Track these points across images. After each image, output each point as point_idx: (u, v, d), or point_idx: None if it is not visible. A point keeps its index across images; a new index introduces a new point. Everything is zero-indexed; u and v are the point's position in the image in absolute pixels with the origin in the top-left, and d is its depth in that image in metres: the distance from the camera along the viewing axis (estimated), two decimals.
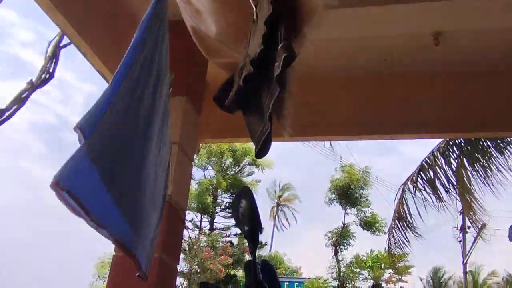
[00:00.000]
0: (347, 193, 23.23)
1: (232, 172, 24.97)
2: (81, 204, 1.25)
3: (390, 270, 24.00)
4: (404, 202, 8.28)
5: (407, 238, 8.70)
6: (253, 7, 1.29)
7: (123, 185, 1.44)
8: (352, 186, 23.14)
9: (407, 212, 8.34)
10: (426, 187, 7.73)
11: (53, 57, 2.83)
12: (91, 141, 1.30)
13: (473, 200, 7.79)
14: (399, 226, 8.64)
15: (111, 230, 1.41)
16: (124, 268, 2.61)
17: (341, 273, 23.43)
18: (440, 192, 7.58)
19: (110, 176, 1.37)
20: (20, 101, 2.76)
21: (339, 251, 24.20)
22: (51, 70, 2.82)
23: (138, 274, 1.61)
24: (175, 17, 3.02)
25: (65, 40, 2.80)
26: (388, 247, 9.27)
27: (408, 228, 8.55)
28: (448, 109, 3.44)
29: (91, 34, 2.72)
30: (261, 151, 1.17)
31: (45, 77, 2.80)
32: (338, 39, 3.20)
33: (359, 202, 23.64)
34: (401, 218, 8.46)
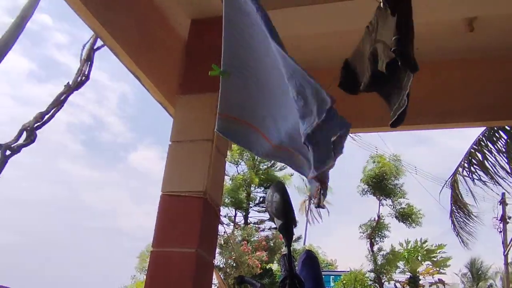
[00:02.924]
0: (381, 184, 22.88)
1: (265, 167, 25.02)
2: None
3: (428, 262, 23.58)
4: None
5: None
6: None
7: None
8: (385, 176, 22.77)
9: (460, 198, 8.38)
10: (468, 177, 7.62)
11: (88, 59, 2.92)
12: None
13: None
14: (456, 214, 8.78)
15: None
16: (161, 263, 2.68)
17: (377, 266, 23.15)
18: (483, 181, 7.44)
19: None
20: (58, 103, 2.87)
21: (374, 243, 23.90)
22: (86, 73, 2.92)
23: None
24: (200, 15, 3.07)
25: (99, 42, 2.89)
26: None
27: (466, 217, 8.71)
28: (485, 96, 3.35)
29: (123, 36, 2.79)
30: (396, 122, 1.42)
31: (81, 80, 2.90)
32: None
33: (394, 192, 23.24)
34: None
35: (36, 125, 2.91)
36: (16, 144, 2.85)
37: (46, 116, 2.88)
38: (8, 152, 2.87)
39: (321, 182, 1.70)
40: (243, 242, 19.87)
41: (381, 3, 1.42)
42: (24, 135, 2.89)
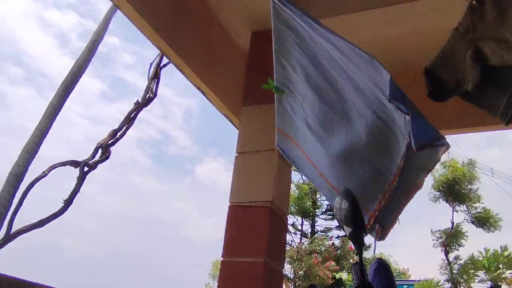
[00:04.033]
0: (454, 190, 21.79)
1: None
2: None
3: (511, 271, 22.08)
4: None
5: None
6: None
7: None
8: (458, 181, 21.67)
9: None
10: None
11: (155, 77, 3.05)
12: None
13: None
14: None
15: None
16: (231, 272, 2.72)
17: (454, 275, 22.00)
18: None
19: None
20: (129, 120, 3.02)
21: (450, 251, 22.75)
22: (154, 90, 3.05)
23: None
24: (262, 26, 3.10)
25: (164, 60, 3.02)
26: None
27: None
28: None
29: (187, 52, 2.88)
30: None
31: (149, 97, 3.03)
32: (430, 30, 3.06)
33: (468, 197, 22.04)
34: None
35: (110, 142, 3.08)
36: (92, 160, 3.02)
37: (119, 133, 3.04)
38: (86, 168, 3.05)
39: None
40: (314, 254, 19.63)
41: (474, 1, 1.38)
42: (99, 152, 3.07)
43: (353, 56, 1.57)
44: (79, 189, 3.02)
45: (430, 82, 1.52)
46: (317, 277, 18.24)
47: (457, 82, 1.47)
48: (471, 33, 1.43)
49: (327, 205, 24.68)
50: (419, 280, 22.86)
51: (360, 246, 1.56)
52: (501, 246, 22.53)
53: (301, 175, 24.89)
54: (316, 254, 19.47)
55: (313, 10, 3.00)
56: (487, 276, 22.01)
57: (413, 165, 1.69)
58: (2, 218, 9.82)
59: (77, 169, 2.98)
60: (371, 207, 1.94)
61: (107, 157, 2.96)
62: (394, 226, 1.98)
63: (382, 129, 1.70)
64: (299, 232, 24.39)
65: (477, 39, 1.40)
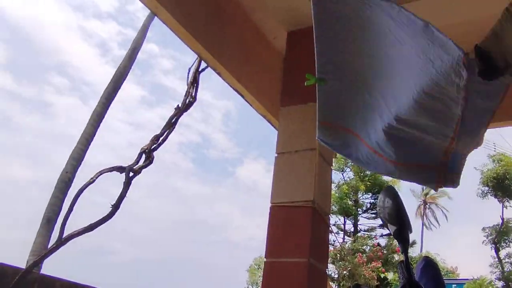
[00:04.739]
0: (503, 185, 20.96)
1: (371, 172, 24.32)
2: None
3: None
4: None
5: None
6: None
7: None
8: (508, 176, 20.83)
9: None
10: None
11: (194, 82, 3.10)
12: None
13: None
14: None
15: None
16: (275, 273, 2.73)
17: (505, 273, 21.16)
18: None
19: None
20: (170, 126, 3.08)
21: (500, 248, 21.90)
22: (193, 94, 3.10)
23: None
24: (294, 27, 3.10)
25: (202, 64, 3.05)
26: None
27: None
28: None
29: (224, 55, 2.92)
30: None
31: (189, 101, 3.08)
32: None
33: None
34: None
35: (152, 147, 3.15)
36: (137, 166, 3.10)
37: (161, 139, 3.11)
38: (131, 174, 3.14)
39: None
40: (358, 253, 19.39)
41: None
42: (143, 157, 3.14)
43: (407, 24, 1.57)
44: (126, 194, 3.10)
45: (481, 60, 1.48)
46: (362, 277, 18.01)
47: (507, 62, 1.43)
48: None
49: (369, 203, 24.32)
50: (468, 279, 22.12)
51: (406, 244, 1.53)
52: None
53: (342, 174, 24.65)
54: (360, 254, 19.21)
55: None
56: None
57: (468, 127, 1.68)
58: (53, 223, 10.23)
59: (123, 175, 3.07)
60: (435, 161, 1.90)
61: (150, 162, 3.02)
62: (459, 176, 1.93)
63: (429, 100, 1.69)
64: (342, 232, 24.14)
65: None
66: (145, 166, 3.13)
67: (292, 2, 2.97)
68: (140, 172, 3.15)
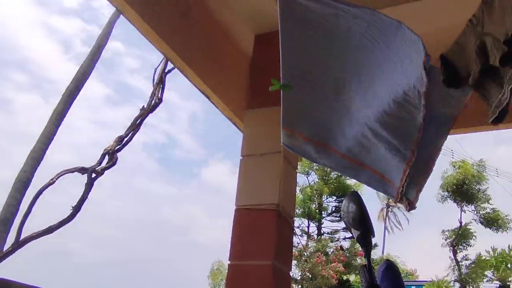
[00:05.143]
0: (462, 190, 21.69)
1: (335, 176, 24.65)
2: None
3: None
4: None
5: None
6: None
7: None
8: (467, 182, 21.57)
9: None
10: None
11: (160, 82, 3.07)
12: None
13: None
14: None
15: None
16: (239, 276, 2.71)
17: (462, 275, 21.86)
18: None
19: None
20: (135, 126, 3.03)
21: (458, 251, 22.62)
22: (159, 95, 3.07)
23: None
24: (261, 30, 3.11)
25: (169, 65, 3.03)
26: None
27: None
28: None
29: (191, 56, 2.89)
30: (498, 118, 1.38)
31: (155, 102, 3.05)
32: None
33: (477, 198, 21.94)
34: None
35: (116, 148, 3.09)
36: (100, 167, 3.04)
37: (125, 139, 3.06)
38: (93, 175, 3.07)
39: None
40: (317, 253, 19.59)
41: None
42: (106, 158, 3.08)
43: (380, 25, 1.60)
44: (87, 196, 3.04)
45: (445, 69, 1.53)
46: (321, 277, 18.18)
47: (468, 73, 1.48)
48: (480, 26, 1.44)
49: (333, 206, 24.64)
50: (427, 281, 22.73)
51: (368, 249, 1.56)
52: (508, 246, 22.39)
53: (307, 177, 24.89)
54: (320, 254, 19.37)
55: None
56: (495, 276, 21.86)
57: (429, 135, 1.72)
58: (10, 224, 9.87)
59: (85, 175, 3.00)
60: (396, 179, 1.95)
61: (114, 163, 2.97)
62: (419, 196, 1.99)
63: (396, 107, 1.72)
64: (306, 235, 24.33)
65: (484, 33, 1.42)
66: (108, 167, 3.07)
67: (260, 5, 2.98)
68: (102, 174, 3.10)
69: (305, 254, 18.98)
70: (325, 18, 1.76)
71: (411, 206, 1.96)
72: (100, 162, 2.95)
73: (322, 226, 25.17)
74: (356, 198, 1.58)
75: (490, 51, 1.37)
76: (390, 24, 1.55)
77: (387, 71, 1.69)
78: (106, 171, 2.96)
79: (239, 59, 3.37)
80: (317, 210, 24.38)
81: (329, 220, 25.27)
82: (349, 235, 21.77)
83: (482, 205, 22.12)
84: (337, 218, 24.63)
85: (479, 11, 1.44)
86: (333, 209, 24.82)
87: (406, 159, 1.81)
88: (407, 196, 1.97)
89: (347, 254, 21.30)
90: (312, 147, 2.23)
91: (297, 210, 22.75)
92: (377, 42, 1.67)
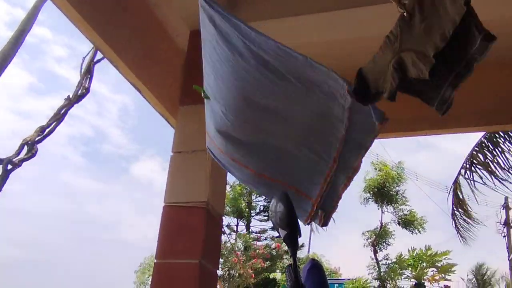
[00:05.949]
0: (382, 191, 22.81)
1: None
2: None
3: (433, 269, 23.44)
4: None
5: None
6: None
7: None
8: (387, 184, 22.71)
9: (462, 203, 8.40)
10: (470, 180, 7.62)
11: (88, 72, 2.92)
12: None
13: None
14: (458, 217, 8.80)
15: None
16: (165, 274, 2.66)
17: (382, 273, 23.01)
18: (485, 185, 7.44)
19: None
20: (59, 117, 2.87)
21: (378, 250, 23.78)
22: (86, 86, 2.92)
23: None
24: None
25: (98, 55, 2.90)
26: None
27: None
28: (486, 100, 3.34)
29: (123, 48, 2.79)
30: (445, 112, 1.43)
31: (81, 93, 2.91)
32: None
33: (395, 199, 23.18)
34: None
35: (37, 139, 2.91)
36: (17, 158, 2.85)
37: (47, 130, 2.88)
38: (9, 166, 2.87)
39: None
40: (235, 252, 19.51)
41: (405, 13, 1.43)
42: (25, 149, 2.89)
43: (288, 58, 1.60)
44: (2, 188, 2.83)
45: (358, 83, 1.58)
46: (238, 277, 18.20)
47: (377, 90, 1.52)
48: (398, 43, 1.48)
49: (262, 205, 24.94)
50: (349, 279, 23.70)
51: (295, 248, 1.58)
52: (425, 246, 23.89)
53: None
54: (238, 253, 19.35)
55: (249, 13, 3.02)
56: (412, 274, 23.24)
57: (351, 146, 1.76)
58: None
59: (0, 167, 2.79)
60: (313, 194, 1.99)
61: (33, 155, 2.79)
62: (335, 211, 2.05)
63: (317, 119, 1.75)
64: (234, 233, 24.42)
65: (402, 50, 1.45)
66: (26, 158, 2.89)
67: (196, 1, 2.93)
68: (20, 165, 2.91)
69: (225, 253, 18.85)
70: (223, 41, 1.74)
71: (325, 220, 2.03)
72: (18, 153, 2.75)
73: (251, 224, 25.40)
74: (284, 198, 1.59)
75: (411, 66, 1.40)
76: (297, 59, 1.57)
77: (300, 92, 1.71)
78: (24, 163, 2.77)
79: (174, 54, 3.31)
80: (246, 209, 24.54)
81: (257, 219, 25.55)
82: (276, 234, 22.12)
83: (400, 207, 23.38)
84: (265, 217, 24.95)
85: (396, 28, 1.47)
86: (262, 208, 25.12)
87: (328, 167, 1.86)
88: (324, 208, 2.03)
89: (273, 253, 21.59)
90: (226, 160, 2.23)
91: (226, 208, 22.77)
92: (284, 72, 1.67)
